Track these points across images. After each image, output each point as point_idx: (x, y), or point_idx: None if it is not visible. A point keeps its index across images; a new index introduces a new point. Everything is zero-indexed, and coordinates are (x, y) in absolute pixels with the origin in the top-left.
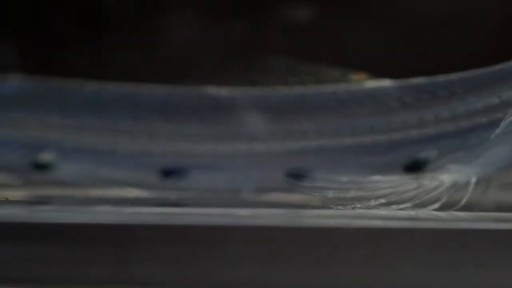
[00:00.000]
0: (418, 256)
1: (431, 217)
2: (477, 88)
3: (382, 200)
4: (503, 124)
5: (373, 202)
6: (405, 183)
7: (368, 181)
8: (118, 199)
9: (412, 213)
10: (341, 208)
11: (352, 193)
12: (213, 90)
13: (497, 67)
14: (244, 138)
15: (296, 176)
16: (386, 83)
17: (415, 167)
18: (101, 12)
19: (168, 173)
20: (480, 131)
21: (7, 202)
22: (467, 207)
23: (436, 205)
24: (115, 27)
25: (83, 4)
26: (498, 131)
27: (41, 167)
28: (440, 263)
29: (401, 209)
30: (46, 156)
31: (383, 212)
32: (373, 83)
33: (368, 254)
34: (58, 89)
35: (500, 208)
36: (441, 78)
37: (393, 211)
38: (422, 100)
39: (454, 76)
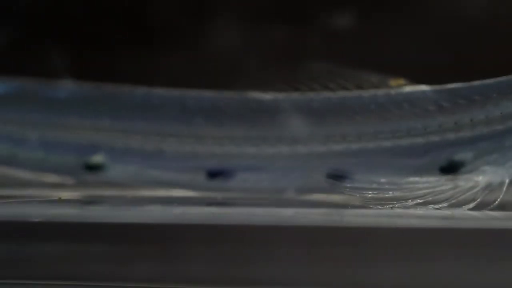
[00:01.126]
0: (454, 254)
1: (466, 216)
2: (511, 92)
3: (419, 200)
4: None
5: (410, 202)
6: (442, 184)
7: (406, 182)
8: (166, 199)
9: (448, 212)
10: (380, 208)
11: (390, 194)
12: (257, 95)
13: None
14: (287, 140)
15: (337, 177)
16: (423, 88)
17: (451, 168)
18: (149, 19)
19: (214, 174)
20: None
21: (60, 201)
22: (501, 207)
23: (471, 205)
24: (164, 33)
25: (133, 11)
26: None
27: (92, 168)
28: (474, 261)
29: (438, 209)
30: (97, 158)
31: (420, 211)
32: (411, 88)
33: (405, 253)
34: (108, 94)
35: None
36: (476, 83)
37: (429, 210)
38: (458, 104)
39: (489, 81)
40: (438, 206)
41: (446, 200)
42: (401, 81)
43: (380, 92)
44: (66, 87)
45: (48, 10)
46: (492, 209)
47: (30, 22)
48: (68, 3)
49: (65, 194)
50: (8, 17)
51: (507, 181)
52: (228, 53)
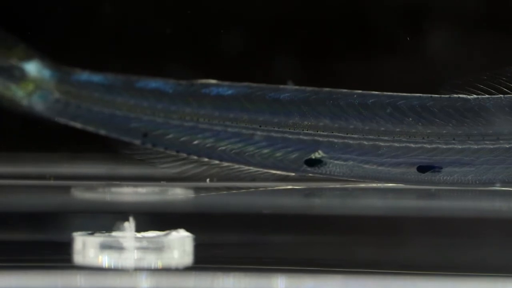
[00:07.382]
0: None
1: None
2: None
3: None
4: None
5: None
6: None
7: None
8: (381, 192)
9: None
10: None
11: None
12: (463, 96)
13: None
14: (491, 137)
15: None
16: None
17: None
18: (364, 28)
19: (425, 168)
20: None
21: (284, 194)
22: None
23: None
24: (378, 41)
25: (350, 21)
26: None
27: (313, 163)
28: None
29: None
30: (318, 154)
31: None
32: None
33: None
34: (328, 96)
35: None
36: None
37: None
38: None
39: None
40: None
41: None
42: None
43: None
44: (290, 90)
45: (274, 21)
46: None
47: (257, 31)
48: (291, 15)
49: (289, 187)
50: (238, 26)
51: None
52: (439, 60)
